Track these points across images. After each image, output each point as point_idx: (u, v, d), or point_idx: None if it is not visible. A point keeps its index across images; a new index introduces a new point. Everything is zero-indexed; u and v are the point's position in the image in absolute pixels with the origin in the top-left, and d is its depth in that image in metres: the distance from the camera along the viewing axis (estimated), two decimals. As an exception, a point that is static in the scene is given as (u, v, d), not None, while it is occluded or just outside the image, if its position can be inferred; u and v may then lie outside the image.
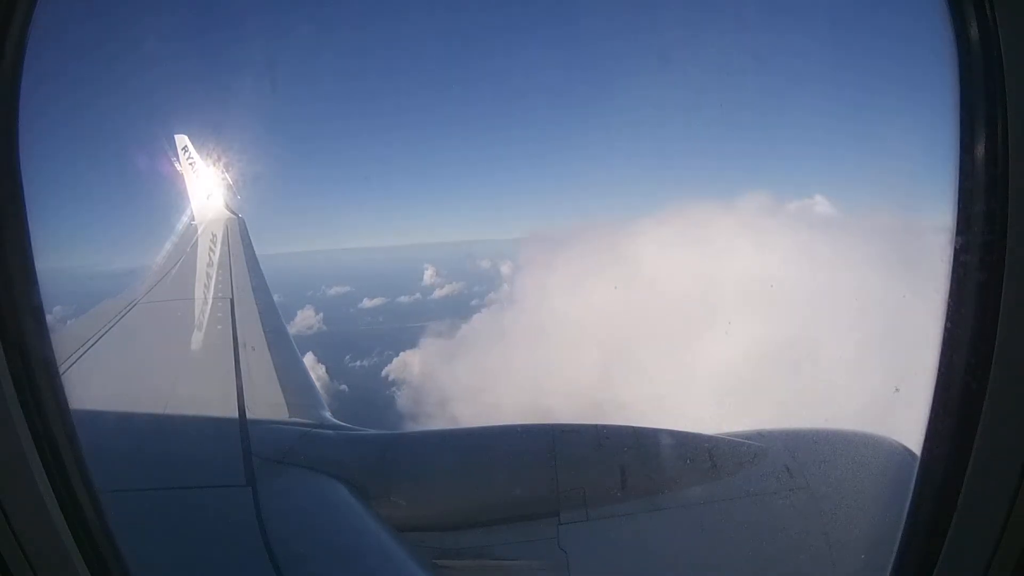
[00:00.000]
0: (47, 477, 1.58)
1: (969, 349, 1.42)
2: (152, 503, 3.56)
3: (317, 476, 4.06)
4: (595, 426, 4.14)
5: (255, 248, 10.03)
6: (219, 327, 6.50)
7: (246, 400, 4.78)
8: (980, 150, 1.38)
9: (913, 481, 1.58)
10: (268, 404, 4.98)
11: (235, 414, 4.57)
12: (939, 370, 1.49)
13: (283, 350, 6.19)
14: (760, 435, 4.08)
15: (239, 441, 4.25)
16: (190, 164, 11.39)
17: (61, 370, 1.81)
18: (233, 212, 11.47)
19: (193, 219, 11.34)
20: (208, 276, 8.91)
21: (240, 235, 10.44)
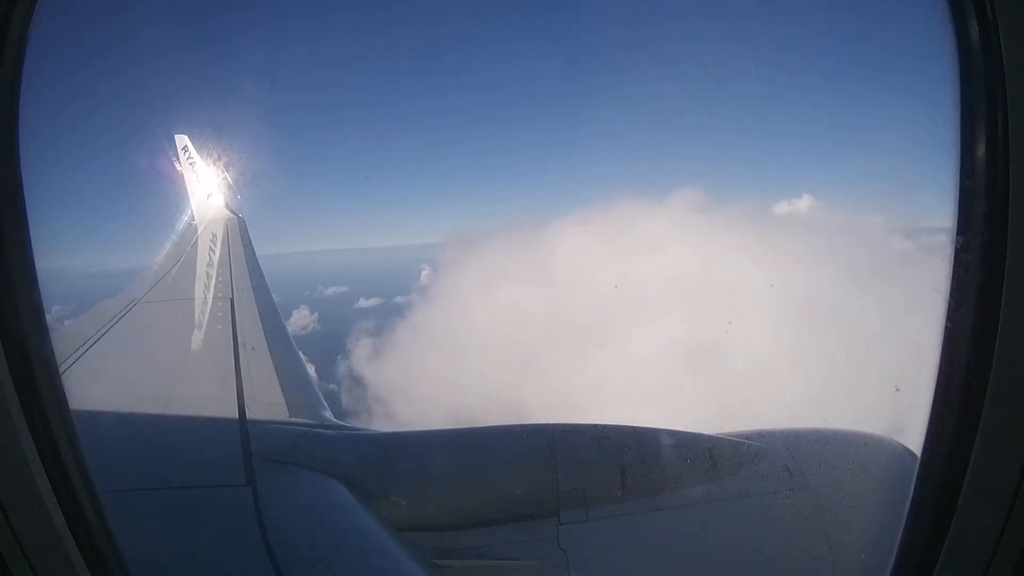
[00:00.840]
0: (47, 477, 1.58)
1: (969, 349, 1.42)
2: (152, 503, 3.56)
3: (317, 476, 4.06)
4: (595, 426, 4.14)
5: (255, 248, 10.04)
6: (219, 327, 6.50)
7: (246, 400, 4.78)
8: (980, 150, 1.38)
9: (913, 481, 1.59)
10: (268, 404, 4.98)
11: (235, 414, 4.57)
12: (939, 370, 1.49)
13: (283, 350, 6.19)
14: (760, 435, 4.08)
15: (239, 441, 4.24)
16: (190, 164, 11.39)
17: (61, 370, 1.81)
18: (233, 212, 11.47)
19: (193, 219, 11.34)
20: (208, 276, 8.90)
21: (240, 235, 10.44)
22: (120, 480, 3.08)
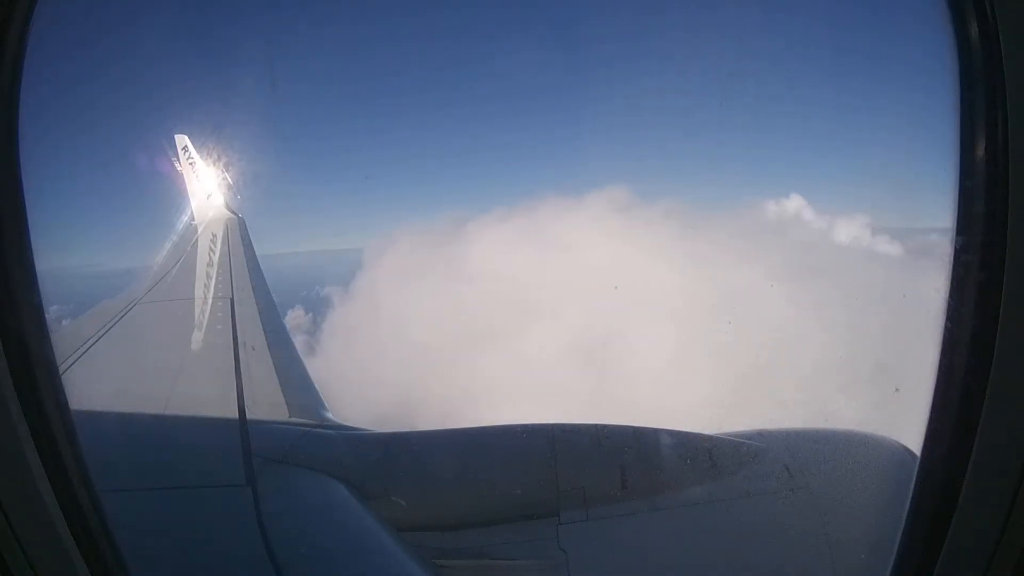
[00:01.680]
0: (47, 477, 1.58)
1: (969, 349, 1.42)
2: (152, 503, 3.56)
3: (317, 476, 4.06)
4: (595, 426, 4.14)
5: (255, 248, 10.03)
6: (219, 327, 6.49)
7: (246, 400, 4.78)
8: (980, 150, 1.38)
9: (913, 481, 1.58)
10: (268, 404, 4.98)
11: (235, 414, 4.57)
12: (939, 370, 1.49)
13: (283, 350, 6.19)
14: (760, 435, 4.08)
15: (239, 441, 4.24)
16: (190, 164, 11.39)
17: (61, 370, 1.81)
18: (233, 212, 11.47)
19: (193, 219, 11.33)
20: (208, 276, 8.90)
21: (240, 235, 10.44)
22: (120, 480, 3.08)
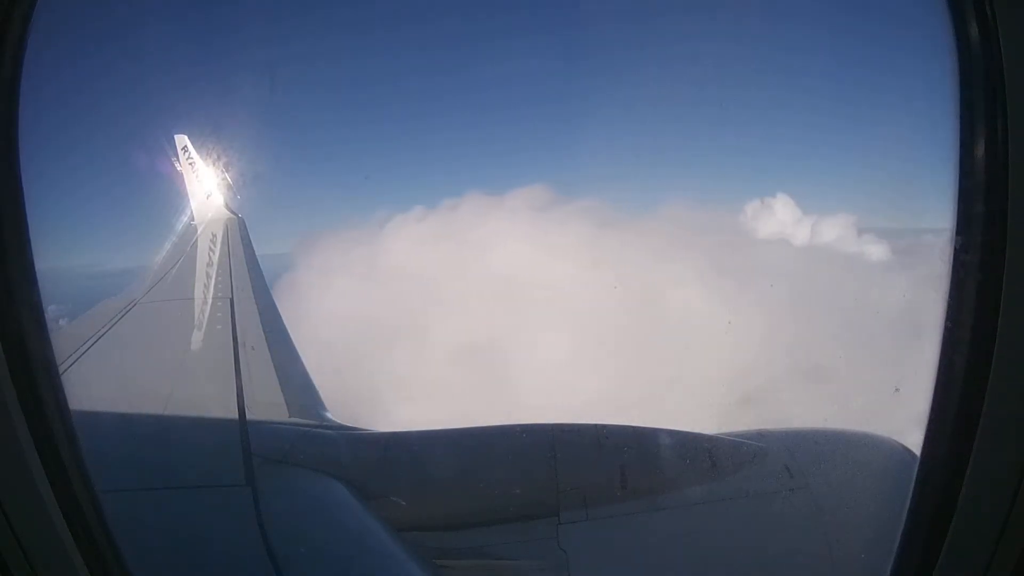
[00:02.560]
0: (47, 477, 1.58)
1: (969, 349, 1.42)
2: (152, 503, 3.56)
3: (317, 476, 4.06)
4: (595, 426, 4.14)
5: (255, 248, 10.02)
6: (219, 327, 6.49)
7: (246, 400, 4.78)
8: (980, 150, 1.38)
9: (913, 481, 1.59)
10: (268, 404, 4.98)
11: (235, 414, 4.57)
12: (939, 370, 1.49)
13: (283, 350, 6.19)
14: (760, 435, 4.09)
15: (239, 441, 4.24)
16: (190, 164, 11.38)
17: (61, 370, 1.81)
18: (233, 212, 11.45)
19: (193, 219, 11.32)
20: (208, 276, 8.89)
21: (240, 235, 10.43)
22: (120, 480, 3.08)
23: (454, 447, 4.37)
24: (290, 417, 4.89)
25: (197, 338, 6.61)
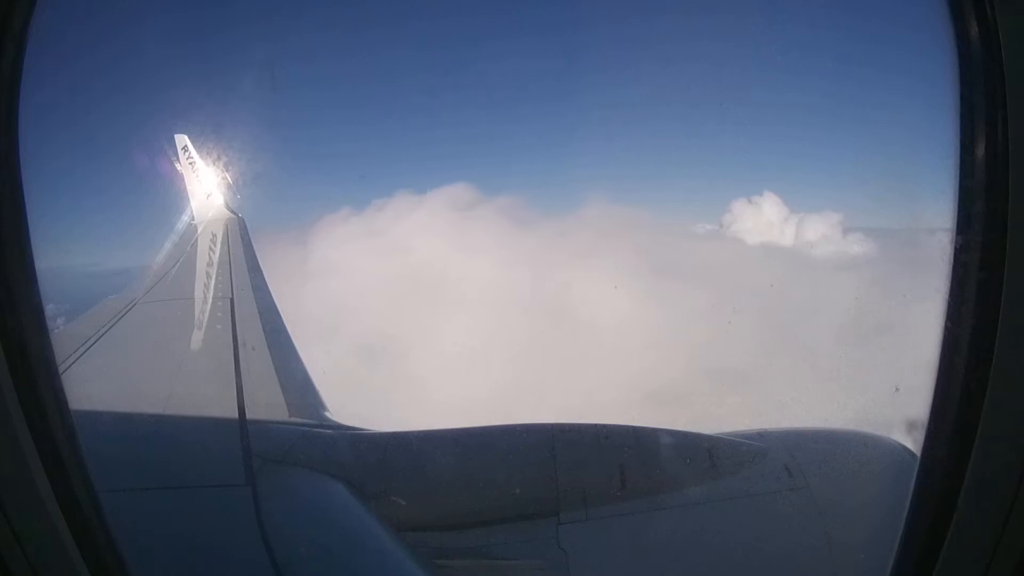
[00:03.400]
0: (47, 477, 1.58)
1: (969, 349, 1.42)
2: (152, 503, 3.56)
3: (317, 476, 4.06)
4: (595, 426, 4.15)
5: (255, 248, 10.02)
6: (219, 327, 6.49)
7: (246, 400, 4.78)
8: (980, 150, 1.38)
9: (913, 481, 1.59)
10: (268, 404, 4.98)
11: (235, 414, 4.57)
12: (939, 370, 1.49)
13: (283, 350, 6.19)
14: (760, 435, 4.09)
15: (239, 441, 4.24)
16: (190, 164, 11.37)
17: (61, 370, 1.80)
18: (233, 212, 11.45)
19: (193, 219, 11.32)
20: (208, 276, 8.90)
21: (240, 235, 10.43)
22: (120, 480, 3.08)
23: (454, 447, 4.37)
24: (290, 417, 4.89)
25: (197, 338, 6.61)
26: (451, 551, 3.79)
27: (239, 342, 5.97)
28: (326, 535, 3.62)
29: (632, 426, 4.16)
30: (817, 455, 3.94)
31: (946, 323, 1.47)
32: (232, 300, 7.38)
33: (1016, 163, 1.31)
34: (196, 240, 10.55)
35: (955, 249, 1.46)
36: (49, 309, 1.81)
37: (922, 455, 1.57)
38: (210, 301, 7.62)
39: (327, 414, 5.04)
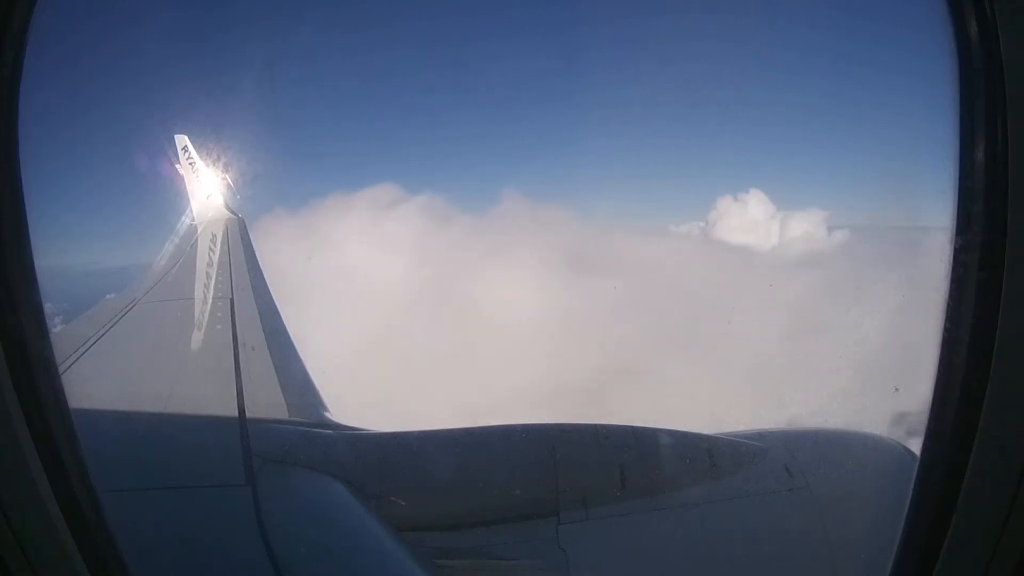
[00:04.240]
0: (47, 477, 1.58)
1: (969, 349, 1.42)
2: (152, 503, 3.56)
3: (317, 476, 4.06)
4: (595, 426, 4.15)
5: (255, 248, 10.02)
6: (219, 327, 6.49)
7: (246, 400, 4.78)
8: (980, 150, 1.38)
9: (913, 481, 1.58)
10: (268, 404, 4.98)
11: (235, 414, 4.57)
12: (939, 370, 1.49)
13: (283, 350, 6.19)
14: (760, 435, 4.09)
15: (239, 441, 4.24)
16: (190, 164, 11.36)
17: (61, 370, 1.80)
18: (233, 212, 11.46)
19: (193, 219, 11.32)
20: (208, 276, 8.90)
21: (240, 235, 10.43)
22: (120, 480, 3.08)
23: (454, 447, 4.37)
24: (290, 417, 4.89)
25: (197, 338, 6.61)
26: (451, 551, 3.79)
27: (239, 342, 5.97)
28: (326, 535, 3.62)
29: (632, 426, 4.16)
30: (817, 455, 3.94)
31: (946, 323, 1.47)
32: (232, 300, 7.38)
33: (1016, 163, 1.31)
34: (196, 240, 10.55)
35: (955, 249, 1.46)
36: (48, 308, 1.81)
37: (922, 455, 1.57)
38: (210, 301, 7.63)
39: (327, 414, 5.04)
